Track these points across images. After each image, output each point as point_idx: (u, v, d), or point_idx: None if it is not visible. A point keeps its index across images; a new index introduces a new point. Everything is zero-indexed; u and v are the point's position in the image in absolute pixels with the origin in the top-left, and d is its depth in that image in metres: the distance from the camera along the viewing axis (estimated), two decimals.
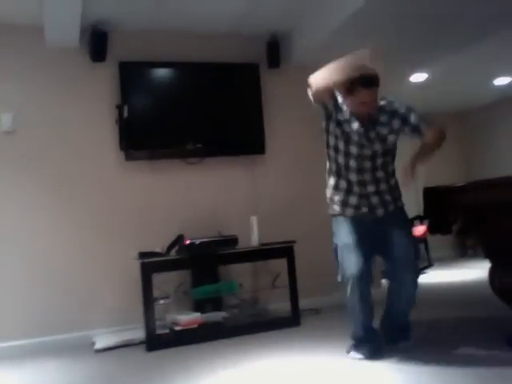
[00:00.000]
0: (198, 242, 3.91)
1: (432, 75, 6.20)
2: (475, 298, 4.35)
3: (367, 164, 2.90)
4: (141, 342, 3.70)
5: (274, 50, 4.72)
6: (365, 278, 2.82)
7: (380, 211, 2.94)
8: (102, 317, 4.05)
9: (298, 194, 4.66)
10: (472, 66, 5.99)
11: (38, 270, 3.96)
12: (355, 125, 2.86)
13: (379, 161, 2.92)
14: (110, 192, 4.23)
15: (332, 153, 2.98)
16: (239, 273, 4.32)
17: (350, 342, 2.97)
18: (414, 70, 5.80)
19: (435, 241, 6.60)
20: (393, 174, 3.06)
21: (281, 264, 4.02)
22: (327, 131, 2.97)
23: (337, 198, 2.98)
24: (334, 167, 2.99)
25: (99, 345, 3.72)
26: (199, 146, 4.38)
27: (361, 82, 2.72)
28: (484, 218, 2.85)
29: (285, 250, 4.01)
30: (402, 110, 2.88)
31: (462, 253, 8.10)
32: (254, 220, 4.10)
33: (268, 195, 4.60)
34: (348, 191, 2.94)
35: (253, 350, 3.33)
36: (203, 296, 4.00)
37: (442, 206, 3.00)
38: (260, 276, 4.39)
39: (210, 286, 4.02)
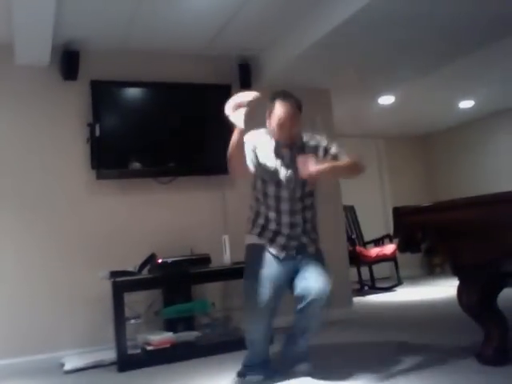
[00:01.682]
0: (170, 260, 3.91)
1: (399, 98, 6.36)
2: (444, 315, 4.44)
3: (298, 205, 2.87)
4: (112, 363, 3.66)
5: (246, 71, 4.80)
6: (272, 312, 2.79)
7: (310, 249, 2.91)
8: (71, 337, 3.98)
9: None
10: (437, 90, 6.17)
11: (5, 289, 3.88)
12: (282, 154, 2.84)
13: (308, 200, 2.91)
14: (81, 210, 4.19)
15: (260, 196, 2.92)
16: (211, 292, 4.32)
17: (243, 367, 2.99)
18: (381, 92, 5.95)
19: (404, 259, 6.71)
20: (315, 215, 3.01)
21: None
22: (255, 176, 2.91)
23: (262, 232, 2.92)
24: (262, 209, 2.92)
25: (69, 366, 3.66)
26: (171, 165, 4.40)
27: (274, 96, 2.79)
28: (450, 237, 2.94)
29: None
30: (324, 143, 2.90)
31: (430, 271, 8.24)
32: (225, 239, 4.12)
33: (239, 214, 4.60)
34: (276, 232, 2.88)
35: (226, 369, 3.32)
36: (175, 315, 3.97)
37: (411, 225, 3.08)
38: (232, 295, 4.39)
39: (182, 306, 4.00)
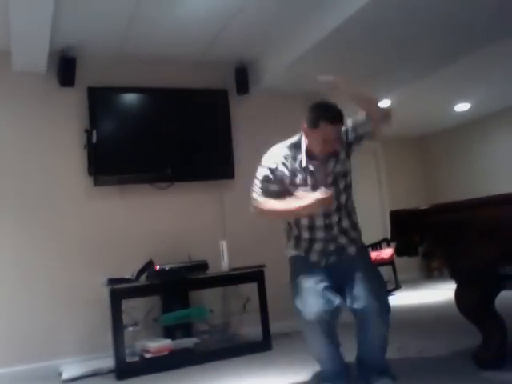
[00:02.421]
0: (167, 267, 3.90)
1: (395, 101, 6.36)
2: (442, 318, 4.43)
3: (334, 215, 2.71)
4: (110, 371, 3.64)
5: (242, 76, 4.80)
6: (326, 322, 2.58)
7: (351, 250, 2.74)
8: (69, 345, 3.97)
9: (266, 219, 4.69)
10: (433, 93, 6.18)
11: (3, 298, 3.87)
12: (311, 167, 2.70)
13: (343, 198, 2.76)
14: (79, 217, 4.18)
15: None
16: (209, 298, 4.31)
17: (319, 379, 2.81)
18: (378, 94, 5.95)
19: (402, 263, 6.69)
20: (354, 209, 2.87)
21: (251, 288, 4.03)
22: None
23: (298, 243, 2.79)
24: (292, 219, 2.77)
25: (67, 375, 3.64)
26: (168, 170, 4.40)
27: (326, 117, 2.58)
28: (447, 240, 2.93)
29: (255, 275, 4.02)
30: (349, 124, 2.75)
31: (428, 274, 8.23)
32: (223, 245, 4.11)
33: (237, 220, 4.62)
34: (311, 240, 2.74)
35: (224, 376, 3.31)
36: (173, 322, 3.96)
37: (408, 228, 3.07)
38: (230, 301, 4.38)
39: (180, 312, 3.98)
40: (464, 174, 8.05)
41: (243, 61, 4.79)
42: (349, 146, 2.76)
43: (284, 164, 2.70)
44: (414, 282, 7.59)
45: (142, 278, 3.87)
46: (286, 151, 2.74)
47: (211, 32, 4.18)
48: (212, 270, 4.06)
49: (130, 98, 4.48)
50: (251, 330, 4.11)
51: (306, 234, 2.74)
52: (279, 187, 2.70)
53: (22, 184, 4.06)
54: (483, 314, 2.87)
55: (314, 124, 2.61)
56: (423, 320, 4.65)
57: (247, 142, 4.73)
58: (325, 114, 2.60)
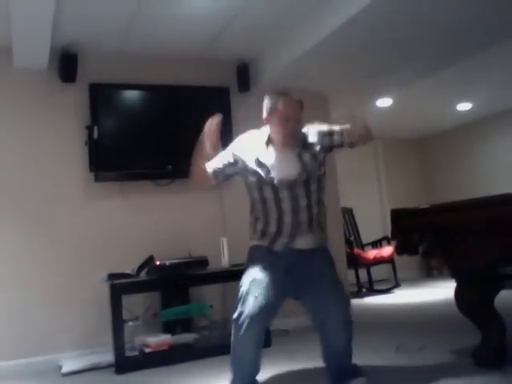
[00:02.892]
0: (168, 263, 3.92)
1: (396, 101, 6.38)
2: (442, 317, 4.45)
3: (302, 198, 2.66)
4: (109, 365, 3.66)
5: (244, 74, 4.81)
6: (263, 322, 2.55)
7: (310, 241, 2.68)
8: (69, 339, 3.98)
9: None
10: (435, 92, 6.18)
11: (2, 291, 3.88)
12: (281, 154, 2.69)
13: (313, 187, 2.70)
14: (79, 213, 4.19)
15: (257, 200, 2.73)
16: (209, 294, 4.32)
17: None
18: (379, 95, 5.96)
19: (402, 262, 6.71)
20: (323, 203, 2.80)
21: None
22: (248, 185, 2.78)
23: (262, 237, 2.72)
24: (260, 213, 2.72)
25: (66, 368, 3.66)
26: (169, 167, 4.40)
27: (276, 94, 2.68)
28: (447, 239, 2.94)
29: None
30: (325, 128, 2.74)
31: (428, 273, 8.25)
32: (223, 241, 4.12)
33: (238, 216, 4.62)
34: (277, 234, 2.67)
35: (223, 372, 3.30)
36: (173, 317, 3.97)
37: (409, 227, 3.08)
38: (230, 297, 4.38)
39: (180, 308, 4.00)
40: (464, 175, 8.05)
41: (245, 59, 4.80)
42: (322, 150, 2.73)
43: (248, 151, 2.74)
44: (413, 281, 7.60)
45: (142, 274, 3.89)
46: (256, 136, 2.80)
47: (213, 30, 4.19)
48: (212, 266, 4.07)
49: (131, 94, 4.48)
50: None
51: (272, 228, 2.67)
52: (223, 167, 2.77)
53: (22, 180, 4.06)
54: (483, 313, 2.88)
55: (271, 108, 2.69)
56: (422, 319, 4.66)
57: None
58: (280, 95, 2.68)
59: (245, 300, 2.53)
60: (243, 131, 4.85)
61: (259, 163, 2.69)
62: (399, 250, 3.17)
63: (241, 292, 2.58)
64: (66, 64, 4.17)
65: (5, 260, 3.92)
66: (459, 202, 2.95)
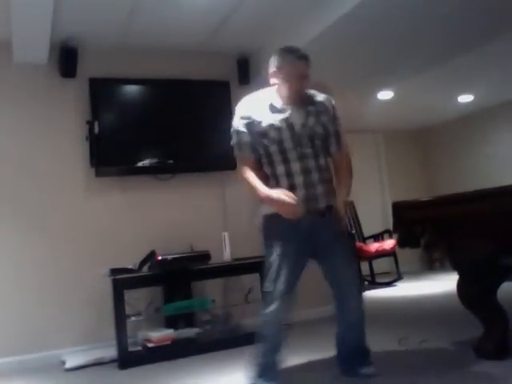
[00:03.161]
0: (170, 257, 3.92)
1: (397, 93, 6.36)
2: (444, 310, 4.45)
3: (307, 147, 2.66)
4: (112, 360, 3.67)
5: (244, 67, 4.79)
6: (292, 296, 2.63)
7: (324, 202, 2.67)
8: (72, 335, 3.99)
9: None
10: (437, 84, 6.16)
11: (6, 288, 3.89)
12: (286, 108, 2.68)
13: (319, 145, 2.71)
14: (80, 208, 4.19)
15: (264, 157, 2.72)
16: (211, 288, 4.32)
17: (253, 373, 2.68)
18: (380, 87, 5.95)
19: (404, 254, 6.71)
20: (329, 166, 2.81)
21: (253, 279, 4.05)
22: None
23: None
24: (268, 169, 2.71)
25: (70, 364, 3.67)
26: (170, 162, 4.39)
27: (287, 52, 2.65)
28: (449, 232, 2.94)
29: (257, 265, 4.00)
30: (332, 102, 2.80)
31: (430, 266, 8.25)
32: (225, 235, 4.12)
33: (239, 210, 4.63)
34: (290, 186, 2.63)
35: (226, 366, 3.33)
36: (175, 312, 3.98)
37: (410, 220, 3.08)
38: (232, 291, 4.39)
39: (183, 302, 4.00)
40: (466, 167, 8.04)
41: (245, 52, 4.78)
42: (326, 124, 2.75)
43: (255, 110, 2.70)
44: (415, 273, 7.61)
45: (145, 269, 3.89)
46: (260, 97, 2.76)
47: (213, 23, 4.17)
48: (214, 261, 4.07)
49: (131, 88, 4.47)
50: (253, 320, 4.10)
51: (284, 182, 2.65)
52: (251, 138, 2.69)
53: (23, 175, 4.06)
54: (485, 305, 2.88)
55: (281, 62, 2.66)
56: (425, 311, 4.66)
57: None
58: (290, 51, 2.67)
59: (277, 276, 2.58)
60: None
61: (270, 124, 2.65)
62: (401, 243, 3.16)
63: (272, 268, 2.61)
64: (66, 58, 4.16)
65: (7, 255, 3.93)
66: (461, 194, 2.94)
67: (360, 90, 5.76)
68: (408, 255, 6.99)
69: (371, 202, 8.17)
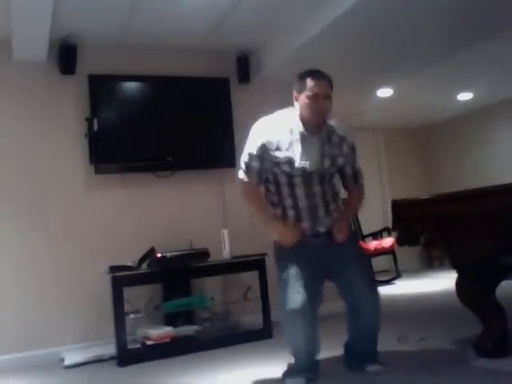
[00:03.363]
0: (169, 255, 3.91)
1: (397, 91, 6.35)
2: (443, 308, 4.45)
3: (316, 185, 2.70)
4: (111, 358, 3.66)
5: (244, 65, 4.78)
6: (309, 314, 2.57)
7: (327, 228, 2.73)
8: (71, 332, 3.99)
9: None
10: (436, 82, 6.16)
11: (5, 286, 3.89)
12: (306, 138, 2.67)
13: (328, 181, 2.76)
14: (80, 205, 4.19)
15: (271, 186, 2.77)
16: (211, 286, 4.32)
17: (287, 370, 2.76)
18: (380, 85, 5.94)
19: (403, 252, 6.71)
20: (337, 196, 2.87)
21: (252, 276, 4.05)
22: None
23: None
24: (275, 199, 2.76)
25: (68, 361, 3.67)
26: (170, 159, 4.39)
27: (306, 73, 2.65)
28: (448, 230, 2.94)
29: (256, 263, 4.03)
30: (351, 141, 2.79)
31: (429, 264, 8.25)
32: (225, 233, 4.12)
33: (239, 208, 4.59)
34: (297, 217, 2.72)
35: (225, 363, 3.33)
36: (175, 310, 3.97)
37: (410, 218, 3.08)
38: (232, 289, 4.39)
39: (182, 300, 4.00)
40: (465, 165, 8.04)
41: (245, 49, 4.77)
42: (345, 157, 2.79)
43: (273, 136, 2.68)
44: (414, 272, 7.61)
45: (144, 266, 3.89)
46: (279, 121, 2.74)
47: (213, 20, 4.16)
48: (213, 258, 4.07)
49: (131, 85, 4.46)
50: (252, 317, 4.13)
51: (291, 213, 2.72)
52: (262, 165, 2.69)
53: (22, 172, 4.06)
54: (484, 303, 2.88)
55: (300, 85, 2.66)
56: (423, 309, 4.67)
57: (248, 131, 4.70)
58: (309, 72, 2.66)
59: (289, 296, 2.58)
60: (243, 122, 4.84)
61: (285, 157, 2.66)
62: (400, 241, 3.16)
63: (284, 288, 2.61)
64: (65, 55, 4.15)
65: (6, 252, 3.92)
66: (460, 193, 2.94)
67: (360, 87, 5.75)
68: (407, 253, 7.00)
69: (370, 200, 8.10)
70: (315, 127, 2.68)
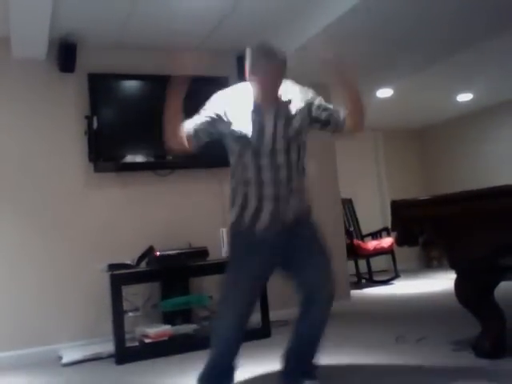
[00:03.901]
0: (168, 253, 3.92)
1: (397, 91, 6.35)
2: (441, 308, 4.45)
3: (280, 159, 2.44)
4: (109, 356, 3.66)
5: (244, 63, 4.77)
6: (239, 336, 2.51)
7: (292, 215, 2.47)
8: (69, 330, 3.99)
9: None
10: (436, 83, 6.16)
11: (3, 283, 3.89)
12: (264, 112, 2.46)
13: (293, 155, 2.47)
14: (79, 203, 4.19)
15: (237, 168, 2.55)
16: (209, 285, 4.32)
17: (204, 373, 2.56)
18: (379, 85, 5.94)
19: (402, 253, 6.72)
20: (304, 171, 2.57)
21: None
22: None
23: (242, 212, 2.48)
24: (240, 182, 2.51)
25: (66, 359, 3.67)
26: (169, 158, 4.39)
27: (258, 51, 2.46)
28: (447, 231, 2.94)
29: None
30: (311, 98, 2.53)
31: (428, 264, 8.26)
32: (223, 232, 4.12)
33: None
34: (260, 196, 2.44)
35: None
36: (173, 308, 3.98)
37: (409, 218, 3.08)
38: None
39: (180, 298, 4.00)
40: (464, 166, 8.05)
41: (244, 49, 4.75)
42: (309, 119, 2.51)
43: (233, 107, 2.53)
44: (413, 272, 7.62)
45: (143, 264, 3.89)
46: (240, 90, 2.59)
47: (213, 20, 4.16)
48: (212, 257, 4.07)
49: (130, 84, 4.46)
50: (250, 317, 4.12)
51: (252, 202, 2.45)
52: (204, 125, 2.61)
53: (21, 170, 4.06)
54: (482, 304, 2.88)
55: (253, 65, 2.47)
56: (422, 310, 4.67)
57: None
58: (262, 52, 2.47)
59: (224, 320, 2.51)
60: None
61: (243, 121, 2.47)
62: (399, 241, 3.16)
63: (223, 304, 2.55)
64: (65, 54, 4.15)
65: (5, 249, 3.92)
66: (459, 194, 2.95)
67: (359, 87, 5.75)
68: (406, 253, 7.02)
69: (370, 200, 8.18)
70: (266, 102, 2.48)
